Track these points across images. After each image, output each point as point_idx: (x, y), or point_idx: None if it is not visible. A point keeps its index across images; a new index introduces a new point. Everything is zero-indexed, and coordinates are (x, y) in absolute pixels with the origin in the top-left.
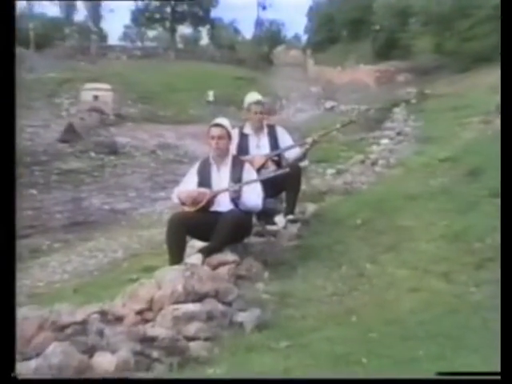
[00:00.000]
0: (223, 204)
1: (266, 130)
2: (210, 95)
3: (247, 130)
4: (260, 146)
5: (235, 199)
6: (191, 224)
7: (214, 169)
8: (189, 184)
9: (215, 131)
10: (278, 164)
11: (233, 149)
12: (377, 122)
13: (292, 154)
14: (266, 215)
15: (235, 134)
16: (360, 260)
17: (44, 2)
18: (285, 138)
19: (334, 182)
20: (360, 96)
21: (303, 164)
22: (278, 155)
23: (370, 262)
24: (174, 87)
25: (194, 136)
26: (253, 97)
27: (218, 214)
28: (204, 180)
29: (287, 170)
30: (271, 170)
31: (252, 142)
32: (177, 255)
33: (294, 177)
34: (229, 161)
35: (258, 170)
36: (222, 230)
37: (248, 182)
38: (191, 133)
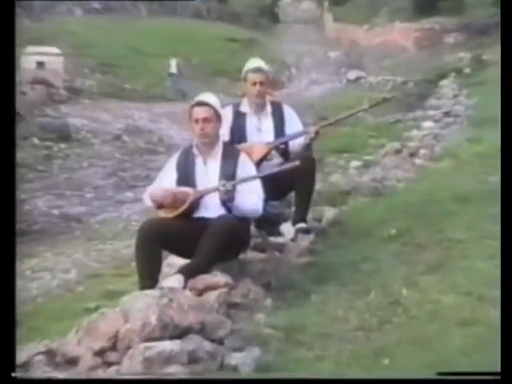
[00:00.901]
0: (211, 208)
1: (269, 109)
2: (173, 65)
3: (244, 107)
4: (262, 130)
5: (227, 202)
6: (169, 235)
7: (198, 161)
8: (165, 181)
9: (200, 112)
10: (285, 155)
11: (224, 134)
12: (418, 98)
13: (297, 144)
14: (269, 223)
15: (227, 113)
16: (394, 283)
17: None
18: (293, 121)
19: (360, 179)
20: (395, 64)
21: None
22: (286, 143)
23: (408, 285)
24: (145, 52)
25: (172, 117)
26: (252, 63)
27: (204, 221)
28: (186, 176)
29: (297, 162)
30: (276, 163)
31: (251, 124)
32: (149, 276)
33: (307, 172)
34: (219, 150)
35: (259, 163)
36: (209, 242)
37: (245, 179)
38: (168, 113)
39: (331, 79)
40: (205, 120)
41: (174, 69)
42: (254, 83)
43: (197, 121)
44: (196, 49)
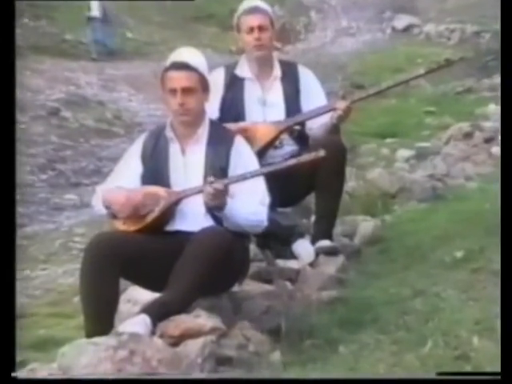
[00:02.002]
0: (192, 218)
1: (278, 72)
2: (94, 5)
3: (242, 70)
4: (267, 104)
5: (216, 209)
6: (130, 256)
7: (174, 149)
8: (125, 178)
9: (178, 78)
10: (302, 140)
11: (213, 110)
12: (498, 58)
13: (319, 125)
14: (278, 240)
15: (217, 79)
16: (461, 329)
17: None
18: (313, 91)
19: (412, 176)
20: (464, 5)
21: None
22: (302, 124)
23: (481, 333)
24: None
25: (134, 82)
26: (247, 2)
27: (181, 236)
28: (155, 171)
29: (320, 153)
30: (288, 153)
31: (251, 94)
32: (101, 317)
33: (333, 166)
34: (204, 133)
35: (263, 152)
36: (189, 268)
37: (242, 176)
38: (130, 76)
39: (370, 28)
40: (185, 90)
41: (95, 10)
42: (251, 29)
43: (173, 91)
44: None
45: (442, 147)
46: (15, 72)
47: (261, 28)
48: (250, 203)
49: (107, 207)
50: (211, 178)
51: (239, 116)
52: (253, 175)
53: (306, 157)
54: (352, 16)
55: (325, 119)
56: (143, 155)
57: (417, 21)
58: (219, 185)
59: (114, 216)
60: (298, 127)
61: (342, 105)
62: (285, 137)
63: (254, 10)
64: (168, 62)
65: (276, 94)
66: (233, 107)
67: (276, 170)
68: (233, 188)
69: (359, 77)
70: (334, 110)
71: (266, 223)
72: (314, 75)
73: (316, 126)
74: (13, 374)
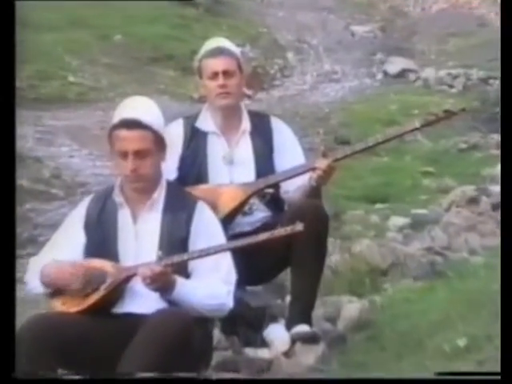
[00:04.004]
0: (145, 298)
1: (247, 124)
2: None
3: (204, 122)
4: (234, 162)
5: (170, 289)
6: (70, 342)
7: (124, 216)
8: (65, 250)
9: (128, 138)
10: (275, 205)
11: (170, 170)
12: None
13: (296, 187)
14: (246, 325)
15: (176, 134)
16: None
17: None
18: (288, 147)
19: (407, 249)
20: (468, 47)
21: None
22: (276, 186)
23: None
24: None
25: (78, 134)
26: (211, 43)
27: (132, 320)
28: (101, 241)
29: (299, 227)
30: (260, 220)
31: (215, 150)
32: None
33: (313, 237)
34: (160, 198)
35: (230, 219)
36: (140, 357)
37: (204, 252)
38: (72, 126)
39: (357, 72)
40: (138, 153)
41: None
42: (215, 74)
43: (124, 154)
44: (122, 17)
45: (442, 215)
46: None
47: (226, 73)
48: (210, 283)
49: (44, 284)
50: (159, 253)
51: (201, 177)
52: (217, 251)
53: (281, 231)
54: (336, 58)
55: (303, 181)
56: (87, 222)
57: (413, 65)
58: (157, 267)
59: (51, 295)
60: (270, 190)
61: (322, 164)
62: (255, 201)
63: (219, 52)
64: (116, 117)
65: (245, 151)
66: (194, 166)
67: (244, 246)
68: (192, 263)
69: (344, 130)
70: (313, 169)
71: (229, 306)
72: (289, 129)
73: (292, 189)
74: (13, 374)
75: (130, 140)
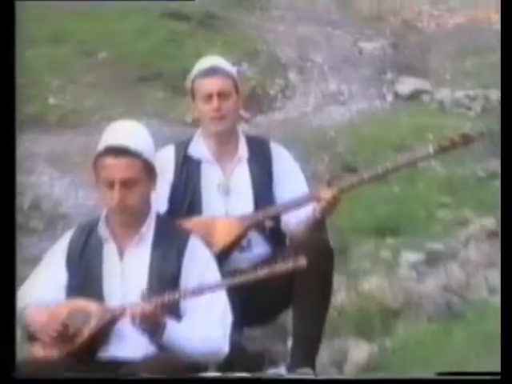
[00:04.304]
0: (132, 341)
1: (244, 151)
2: None
3: (197, 149)
4: (230, 191)
5: (160, 331)
6: None
7: (109, 251)
8: (45, 288)
9: (115, 167)
10: (275, 239)
11: (161, 201)
12: None
13: (298, 219)
14: (244, 371)
15: (166, 162)
16: None
17: None
18: (289, 175)
19: (421, 287)
20: (488, 66)
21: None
22: (276, 218)
23: None
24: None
25: (59, 160)
26: (204, 62)
27: (117, 365)
28: (85, 279)
29: (302, 262)
30: (258, 256)
31: (210, 179)
32: None
33: (317, 274)
34: (149, 231)
35: (226, 255)
36: None
37: (197, 290)
38: (53, 153)
39: (366, 93)
40: (125, 183)
41: None
42: (209, 95)
43: (110, 183)
44: (107, 31)
45: (459, 249)
46: None
47: (221, 95)
48: (204, 325)
49: (23, 327)
50: (144, 291)
51: (194, 208)
52: (211, 288)
53: (282, 267)
54: (343, 77)
55: (306, 212)
56: (69, 259)
57: (427, 85)
58: (146, 306)
59: (30, 338)
60: (270, 223)
61: (327, 194)
62: (253, 235)
63: (213, 72)
64: (102, 143)
65: (241, 179)
66: (186, 197)
67: (242, 283)
68: (184, 304)
69: (351, 157)
70: (317, 200)
71: (225, 351)
72: (291, 155)
73: (294, 221)
74: (13, 374)
75: (117, 168)
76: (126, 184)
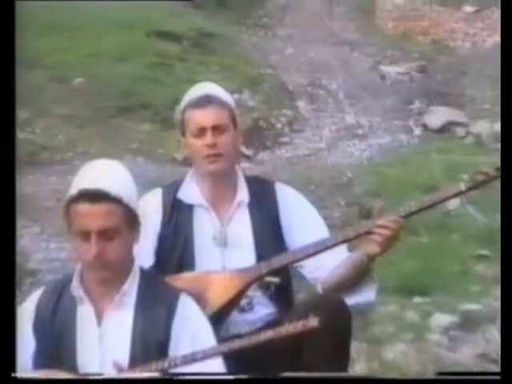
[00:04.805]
0: None
1: (243, 196)
2: None
3: (189, 193)
4: (228, 242)
5: None
6: None
7: (85, 314)
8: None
9: (91, 215)
10: (282, 297)
11: (146, 253)
12: None
13: (323, 270)
14: None
15: (153, 208)
16: None
17: None
18: (300, 220)
19: (455, 355)
20: None
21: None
22: (285, 271)
23: None
24: None
25: (27, 207)
26: (197, 90)
27: None
28: (56, 346)
29: (313, 322)
30: (262, 318)
31: (204, 228)
32: None
33: (331, 339)
34: (131, 291)
35: (223, 316)
36: None
37: (189, 358)
38: (21, 198)
39: (389, 126)
40: (103, 233)
41: None
42: (202, 130)
43: (86, 234)
44: (84, 54)
45: (499, 311)
46: None
47: (217, 128)
48: None
49: None
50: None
51: (185, 262)
52: (205, 356)
53: (289, 328)
54: (362, 108)
55: (333, 260)
56: (37, 323)
57: (461, 116)
58: (135, 376)
59: None
60: (275, 279)
61: (389, 222)
62: (256, 293)
63: (206, 101)
64: (75, 186)
65: (241, 228)
66: (176, 250)
67: (242, 349)
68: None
69: (372, 201)
70: (367, 233)
71: None
72: (302, 197)
73: (321, 274)
74: (13, 374)
75: (94, 216)
76: (104, 234)
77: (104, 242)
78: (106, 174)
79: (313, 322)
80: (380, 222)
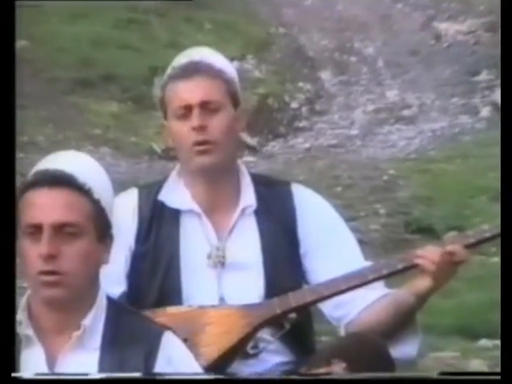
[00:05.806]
0: None
1: (249, 199)
2: None
3: (175, 194)
4: (226, 262)
5: None
6: None
7: (34, 357)
8: None
9: (50, 202)
10: (299, 339)
11: (116, 277)
12: None
13: (350, 308)
14: None
15: (126, 212)
16: None
17: None
18: (323, 232)
19: None
20: None
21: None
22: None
23: None
24: None
25: None
26: (184, 56)
27: None
28: None
29: (338, 367)
30: (272, 368)
31: (195, 241)
32: None
33: None
34: (96, 325)
35: (223, 364)
36: None
37: None
38: None
39: (446, 105)
40: (58, 229)
41: None
42: (187, 109)
43: (37, 230)
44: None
45: None
46: None
47: (206, 106)
48: None
49: None
50: None
51: (170, 289)
52: None
53: (308, 375)
54: (408, 80)
55: (374, 291)
56: None
57: None
58: None
59: None
60: (292, 315)
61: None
62: (265, 335)
63: (193, 70)
64: (26, 178)
65: (246, 242)
66: (156, 271)
67: None
68: None
69: (423, 208)
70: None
71: None
72: (325, 202)
73: (348, 305)
74: (13, 374)
75: (51, 205)
76: (61, 232)
77: (59, 242)
78: (75, 160)
79: (338, 367)
80: (438, 249)
